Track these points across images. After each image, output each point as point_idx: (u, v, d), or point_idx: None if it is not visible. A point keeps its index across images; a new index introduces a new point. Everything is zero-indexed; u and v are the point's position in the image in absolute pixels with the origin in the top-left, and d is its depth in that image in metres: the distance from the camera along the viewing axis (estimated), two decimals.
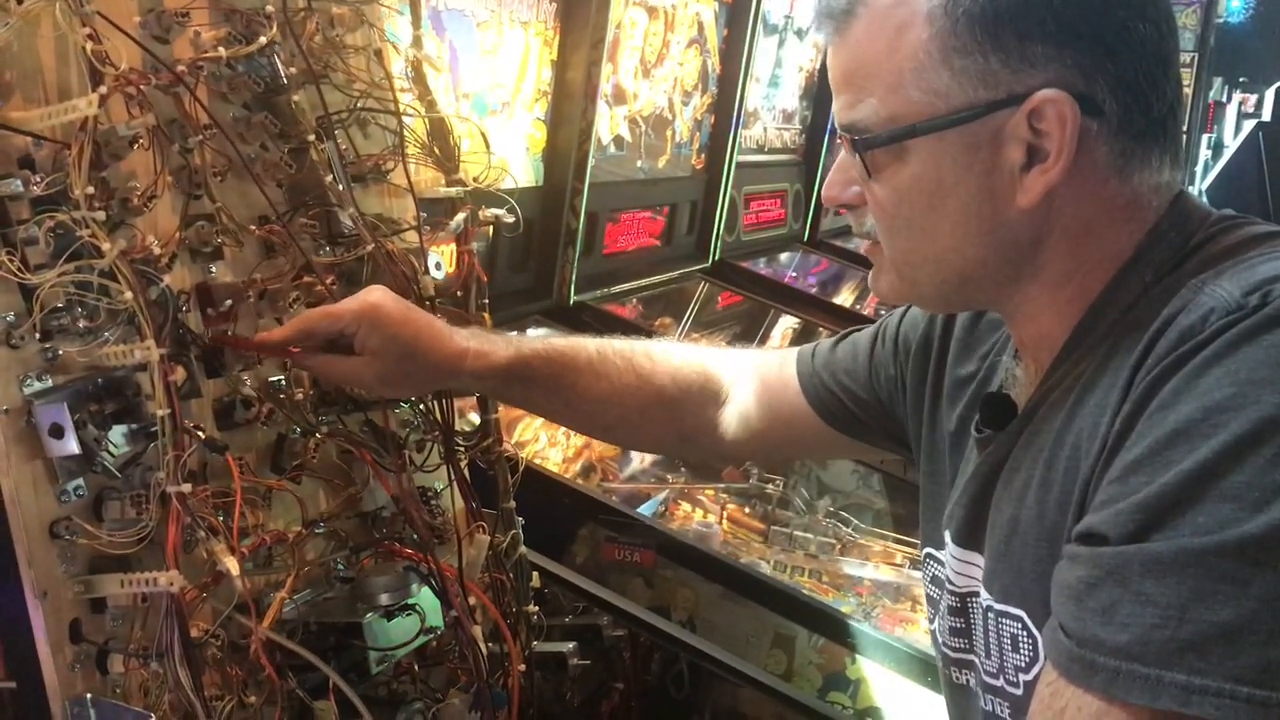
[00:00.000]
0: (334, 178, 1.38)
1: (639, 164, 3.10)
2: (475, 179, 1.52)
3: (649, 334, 3.06)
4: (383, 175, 1.54)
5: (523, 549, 1.58)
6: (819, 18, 0.95)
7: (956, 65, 0.88)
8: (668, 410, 1.36)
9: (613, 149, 2.94)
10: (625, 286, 3.10)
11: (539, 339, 1.36)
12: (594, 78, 2.68)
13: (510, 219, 1.56)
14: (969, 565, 1.02)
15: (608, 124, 2.88)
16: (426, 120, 1.54)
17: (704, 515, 2.45)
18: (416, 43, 1.54)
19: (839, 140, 0.97)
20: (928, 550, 1.13)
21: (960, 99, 0.88)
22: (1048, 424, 0.92)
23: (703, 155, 3.45)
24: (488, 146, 1.44)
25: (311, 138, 1.36)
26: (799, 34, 3.96)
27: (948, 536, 1.05)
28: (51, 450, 1.10)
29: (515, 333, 1.47)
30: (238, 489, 1.15)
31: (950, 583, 1.05)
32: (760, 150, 3.89)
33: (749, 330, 3.86)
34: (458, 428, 1.51)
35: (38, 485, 1.10)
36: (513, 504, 1.59)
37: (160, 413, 1.10)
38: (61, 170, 1.10)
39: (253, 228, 1.32)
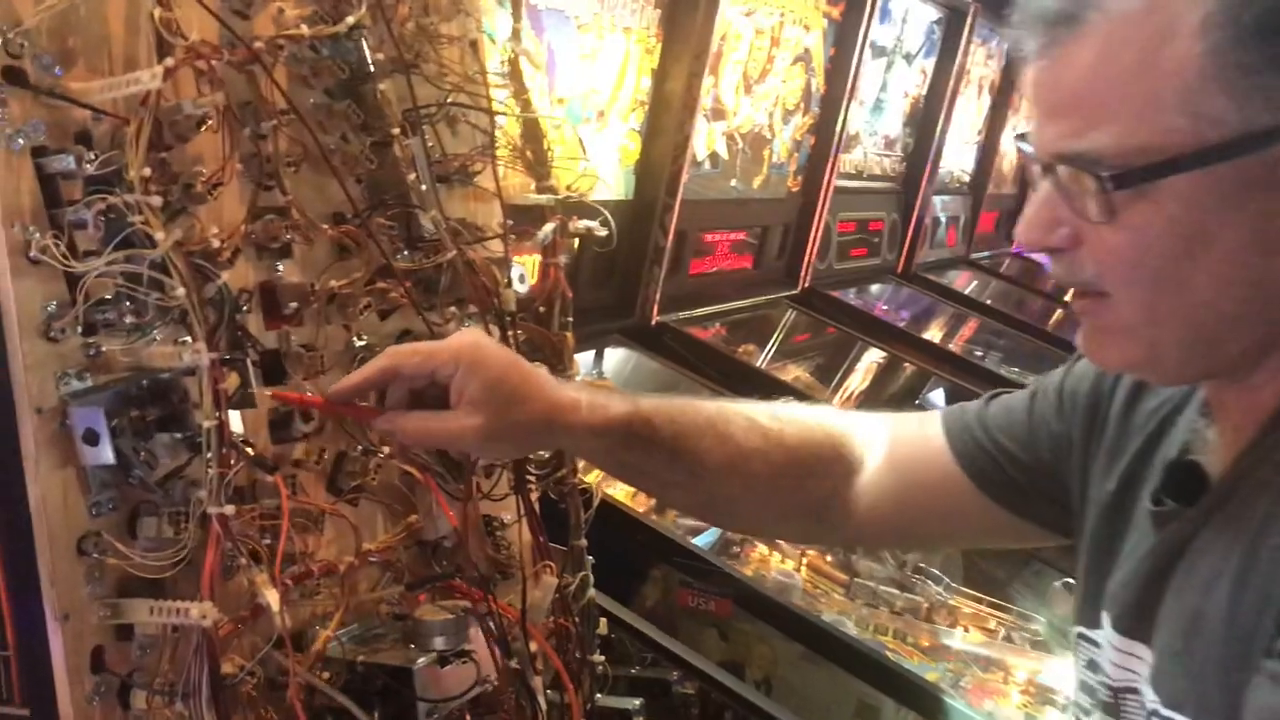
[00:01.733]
0: (418, 176, 1.26)
1: (733, 183, 2.96)
2: (568, 187, 1.40)
3: (731, 360, 2.92)
4: (468, 178, 1.42)
5: (592, 592, 1.44)
6: (1029, 24, 0.79)
7: (1238, 85, 0.72)
8: (799, 478, 1.16)
9: (707, 166, 2.81)
10: (709, 309, 2.96)
11: (651, 395, 1.21)
12: (694, 90, 2.56)
13: (603, 232, 1.43)
14: (1131, 658, 0.87)
15: (704, 139, 2.75)
16: (520, 121, 1.41)
17: (781, 560, 2.30)
18: (515, 36, 1.42)
19: (1036, 171, 0.81)
20: (1080, 630, 0.97)
21: (1238, 125, 0.73)
22: (1251, 506, 0.77)
23: (799, 177, 3.30)
24: (584, 153, 1.31)
25: (396, 131, 1.24)
26: (907, 58, 3.80)
27: (1106, 620, 0.90)
28: (85, 458, 0.99)
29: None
30: (284, 514, 1.03)
31: (1104, 673, 0.90)
32: (858, 176, 3.73)
33: (833, 362, 3.71)
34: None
35: (68, 495, 0.99)
36: (584, 542, 1.46)
37: (207, 424, 0.99)
38: (120, 148, 0.99)
39: (325, 225, 1.20)
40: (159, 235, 0.96)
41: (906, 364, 3.69)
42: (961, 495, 1.11)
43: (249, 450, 1.04)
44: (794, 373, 3.45)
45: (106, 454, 0.98)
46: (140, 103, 0.98)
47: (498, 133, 1.41)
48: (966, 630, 2.17)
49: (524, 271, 1.36)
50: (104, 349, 1.01)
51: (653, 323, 2.63)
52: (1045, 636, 2.18)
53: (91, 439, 0.98)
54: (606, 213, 1.43)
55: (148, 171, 0.96)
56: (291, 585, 1.06)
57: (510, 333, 1.31)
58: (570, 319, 1.47)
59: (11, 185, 0.96)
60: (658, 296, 2.62)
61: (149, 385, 1.04)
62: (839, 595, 2.24)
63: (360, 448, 1.25)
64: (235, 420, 1.11)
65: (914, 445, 1.15)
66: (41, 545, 0.98)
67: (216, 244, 1.02)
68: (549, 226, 1.39)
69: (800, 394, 3.16)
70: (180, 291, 0.96)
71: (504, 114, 1.36)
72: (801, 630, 1.68)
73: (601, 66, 2.30)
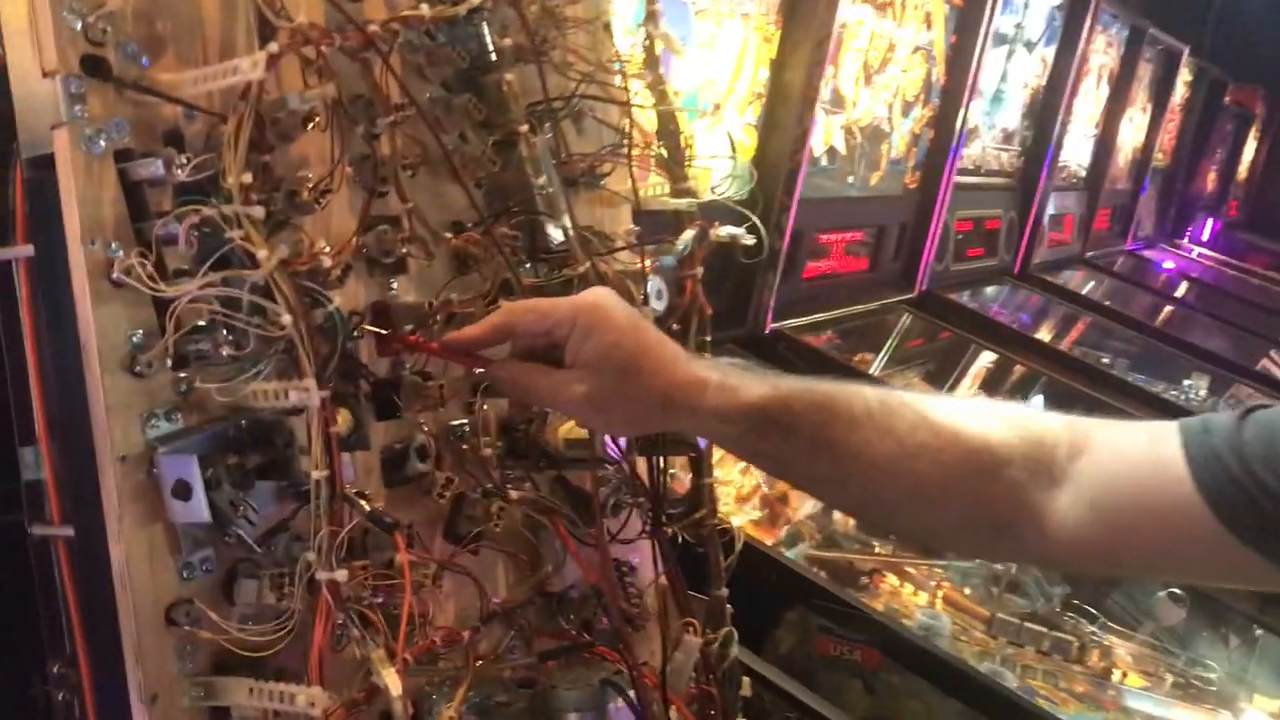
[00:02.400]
0: (546, 179, 1.10)
1: (850, 179, 2.77)
2: (712, 189, 1.23)
3: (850, 369, 2.73)
4: (596, 180, 1.26)
5: (735, 650, 1.27)
6: None
7: None
8: (979, 482, 0.96)
9: (824, 161, 2.62)
10: (825, 315, 2.77)
11: (796, 378, 1.02)
12: (814, 81, 2.37)
13: (750, 239, 1.26)
14: None
15: (821, 133, 2.56)
16: (654, 115, 1.25)
17: (913, 593, 2.10)
18: (651, 19, 1.25)
19: None
20: None
21: None
22: None
23: (917, 174, 3.09)
24: (733, 149, 1.14)
25: (524, 128, 1.08)
26: (1028, 46, 3.56)
27: None
28: (175, 515, 0.85)
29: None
30: (406, 584, 0.87)
31: None
32: (976, 172, 3.50)
33: (944, 368, 3.49)
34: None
35: (155, 556, 0.85)
36: (725, 592, 1.29)
37: (316, 475, 0.84)
38: (215, 151, 0.84)
39: (448, 234, 1.05)
40: (261, 253, 0.81)
41: (1018, 364, 3.46)
42: (1199, 530, 0.90)
43: (364, 504, 0.89)
44: (908, 380, 3.25)
45: (200, 510, 0.83)
46: (239, 96, 0.83)
47: (630, 129, 1.24)
48: (1125, 676, 1.96)
49: (662, 287, 1.20)
50: (197, 385, 0.87)
51: (766, 330, 2.45)
52: (1218, 687, 1.96)
53: (183, 492, 0.83)
54: (755, 218, 1.26)
55: (248, 177, 0.81)
56: (411, 661, 0.90)
57: None
58: (708, 338, 1.30)
59: (91, 194, 0.82)
60: (772, 303, 2.43)
61: (249, 426, 0.89)
62: (979, 632, 2.04)
63: (479, 489, 1.09)
64: (346, 463, 0.96)
65: (1141, 463, 0.94)
66: (125, 615, 0.84)
67: (327, 262, 0.87)
68: (688, 234, 1.23)
69: None
70: (286, 319, 0.81)
71: (643, 106, 1.19)
72: (959, 685, 1.50)
73: (719, 56, 2.12)
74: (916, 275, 3.18)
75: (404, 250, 1.02)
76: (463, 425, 1.11)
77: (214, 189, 0.83)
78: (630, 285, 1.15)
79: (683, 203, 1.23)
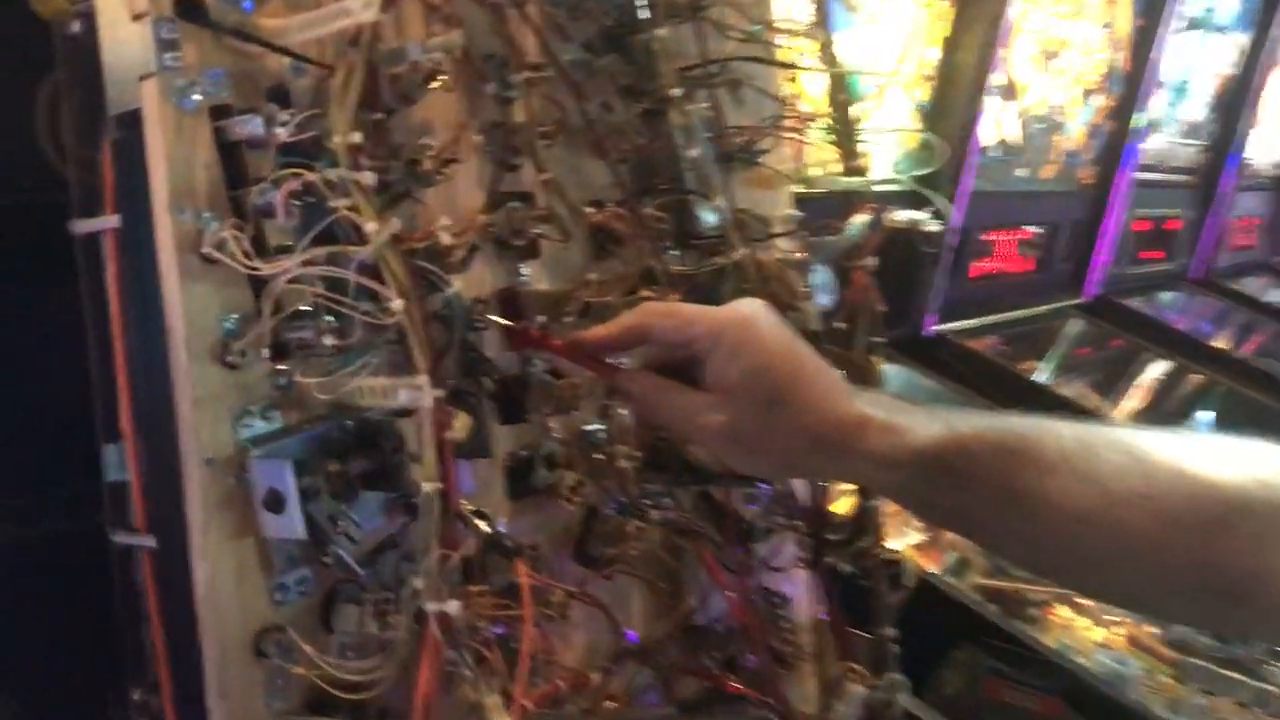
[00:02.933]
0: (699, 152, 0.96)
1: (1021, 172, 2.55)
2: (895, 168, 1.07)
3: (1017, 378, 2.52)
4: (754, 157, 1.11)
5: (904, 701, 1.11)
6: None
7: None
8: (1207, 537, 0.77)
9: (994, 152, 2.41)
10: (992, 319, 2.56)
11: (973, 412, 0.85)
12: (986, 63, 2.17)
13: (935, 226, 1.09)
14: None
15: (992, 121, 2.36)
16: (823, 81, 1.10)
17: (1089, 627, 1.89)
18: None
19: None
20: None
21: None
22: None
23: (1093, 168, 2.85)
24: (916, 121, 0.98)
25: (677, 92, 0.94)
26: (1220, 31, 3.26)
27: None
28: (265, 528, 0.73)
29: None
30: (528, 624, 0.74)
31: None
32: (1156, 168, 3.22)
33: (1112, 377, 3.22)
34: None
35: (244, 575, 0.74)
36: (893, 631, 1.12)
37: (427, 488, 0.71)
38: (323, 108, 0.73)
39: (589, 209, 0.91)
40: (369, 226, 0.68)
41: (1191, 373, 3.18)
42: None
43: (482, 523, 0.76)
44: (1076, 390, 3.00)
45: (294, 524, 0.72)
46: (349, 42, 0.71)
47: (791, 101, 1.09)
48: None
49: (828, 279, 1.05)
50: (297, 380, 0.75)
51: (928, 334, 2.26)
52: None
53: (275, 503, 0.72)
54: (944, 200, 1.10)
55: (357, 137, 0.69)
56: (532, 708, 0.77)
57: None
58: (879, 339, 1.14)
59: (182, 155, 0.72)
60: (935, 304, 2.24)
61: (355, 428, 0.77)
62: (1165, 676, 1.82)
63: (615, 505, 0.95)
64: (464, 473, 0.84)
65: None
66: (209, 643, 0.73)
67: (447, 239, 0.74)
68: (860, 219, 1.07)
69: (1089, 415, 2.73)
70: (396, 304, 0.69)
71: (811, 69, 1.04)
72: None
73: (887, 33, 1.95)
74: (1088, 278, 2.93)
75: (537, 231, 0.89)
76: (597, 431, 0.98)
77: (320, 152, 0.71)
78: (792, 276, 1.00)
79: (855, 181, 1.07)
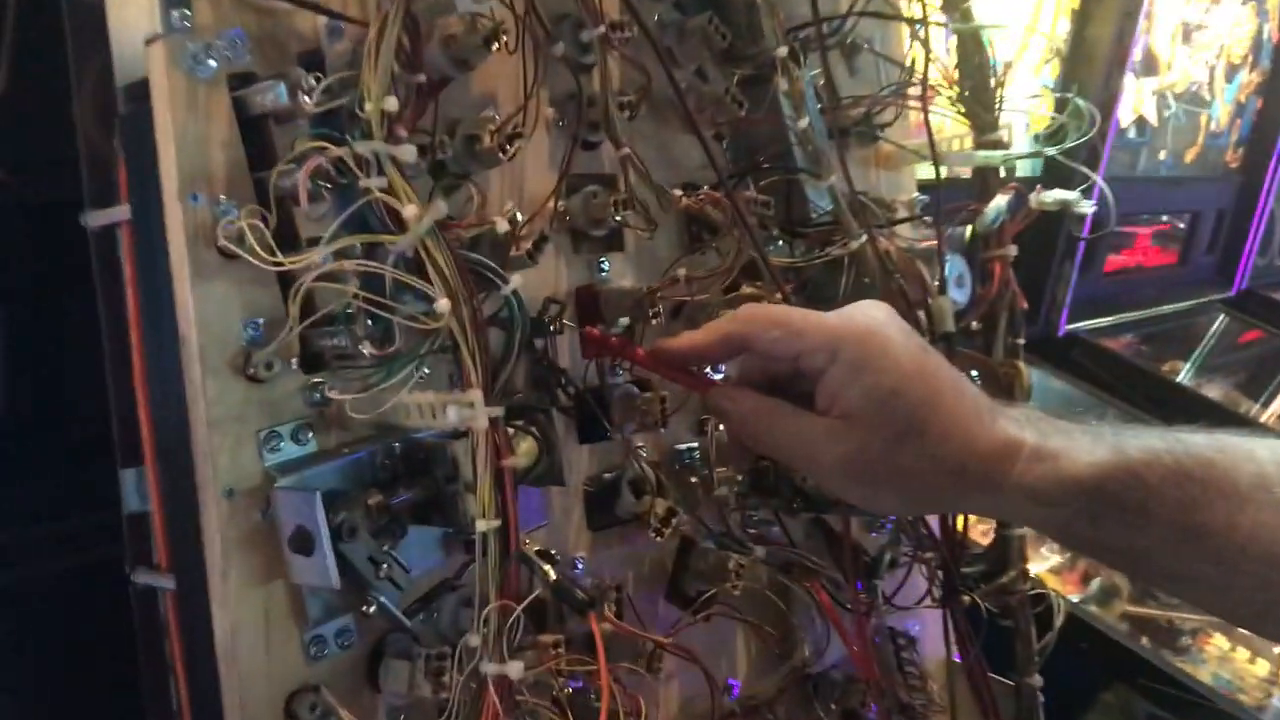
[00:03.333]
0: (809, 124, 0.82)
1: (1162, 156, 2.34)
2: (1042, 137, 0.92)
3: (1155, 379, 2.31)
4: (873, 131, 0.97)
5: None
6: None
7: None
8: None
9: (1132, 134, 2.21)
10: (1129, 316, 2.36)
11: (1144, 429, 0.69)
12: (1126, 36, 1.98)
13: (1088, 207, 0.94)
14: None
15: (1130, 100, 2.16)
16: (954, 42, 0.95)
17: (1249, 659, 1.69)
18: None
19: None
20: None
21: None
22: None
23: (1240, 150, 2.61)
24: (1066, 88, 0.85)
25: (783, 52, 0.81)
26: None
27: None
28: (294, 573, 0.62)
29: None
30: (604, 682, 0.61)
31: None
32: None
33: (1259, 379, 2.97)
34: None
35: (273, 625, 0.63)
36: (1039, 680, 0.97)
37: (482, 527, 0.59)
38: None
39: (678, 192, 0.78)
40: (408, 210, 0.56)
41: None
42: None
43: (549, 568, 0.64)
44: (1221, 392, 2.77)
45: (325, 569, 0.60)
46: None
47: (918, 63, 0.95)
48: None
49: (965, 271, 0.89)
50: (332, 395, 0.64)
51: (1060, 333, 2.08)
52: None
53: (303, 544, 0.60)
54: (1098, 179, 0.94)
55: (392, 103, 0.57)
56: None
57: None
58: (1021, 340, 0.99)
59: (195, 132, 0.60)
60: (1069, 300, 2.06)
61: (402, 452, 0.66)
62: None
63: (713, 535, 0.82)
64: (534, 502, 0.71)
65: None
66: (230, 703, 0.62)
67: (504, 226, 0.62)
68: (999, 201, 0.92)
69: (1240, 420, 2.51)
70: (441, 304, 0.57)
71: (941, 24, 0.89)
72: None
73: (1011, 4, 1.78)
74: (1236, 271, 2.70)
75: (619, 218, 0.76)
76: (692, 451, 0.85)
77: (354, 124, 0.59)
78: (921, 268, 0.85)
79: (995, 156, 0.92)
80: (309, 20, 0.65)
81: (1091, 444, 0.64)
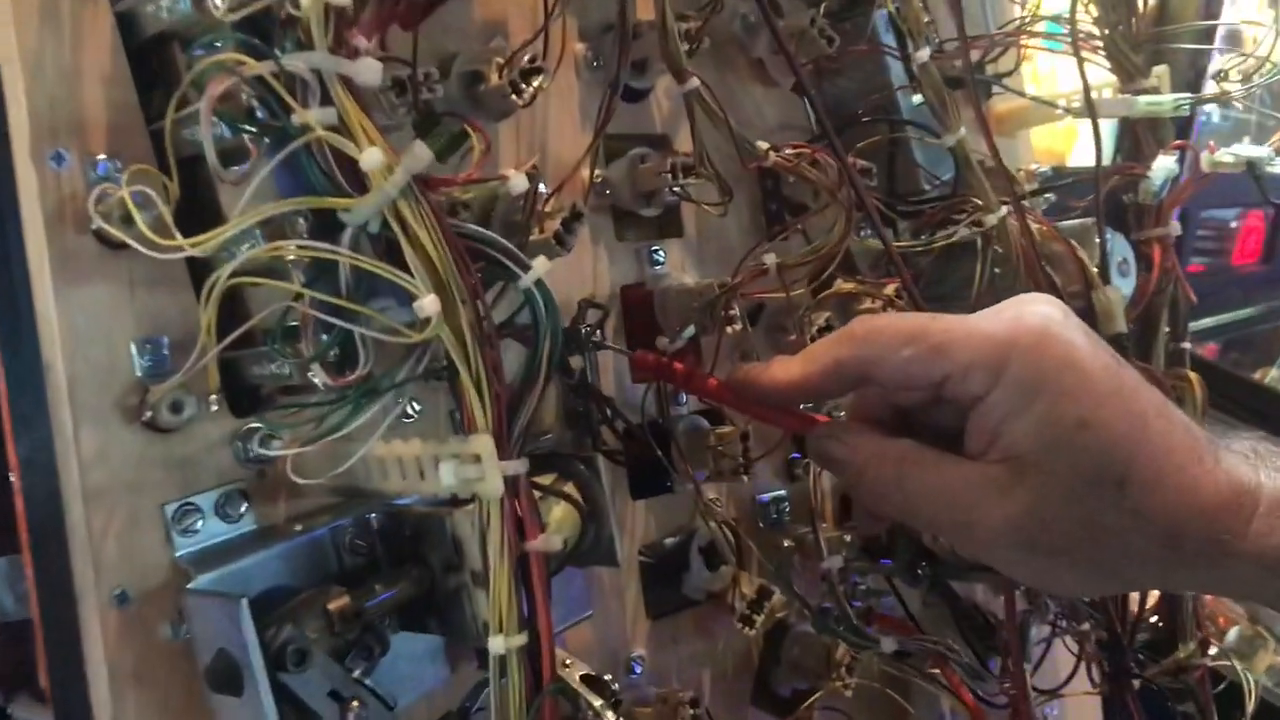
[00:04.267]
0: (928, 59, 0.61)
1: (1245, 139, 2.11)
2: (1220, 77, 0.72)
3: (1256, 388, 2.08)
4: (990, 83, 0.76)
5: None
6: None
7: None
8: None
9: (1215, 116, 1.99)
10: (1212, 321, 2.13)
11: None
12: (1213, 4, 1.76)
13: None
14: None
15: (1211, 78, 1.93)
16: None
17: None
18: None
19: None
20: None
21: None
22: None
23: None
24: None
25: None
26: None
27: None
28: (219, 716, 0.41)
29: None
30: None
31: None
32: None
33: None
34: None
35: None
36: None
37: (497, 646, 0.38)
38: None
39: (764, 145, 0.56)
40: (368, 158, 0.36)
41: None
42: None
43: (595, 698, 0.43)
44: None
45: (262, 712, 0.39)
46: None
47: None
48: None
49: (1128, 254, 0.68)
50: (276, 448, 0.43)
51: None
52: None
53: (228, 678, 0.39)
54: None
55: None
56: None
57: None
58: (1188, 345, 0.77)
59: (58, 62, 0.41)
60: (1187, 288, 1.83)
61: (382, 526, 0.45)
62: None
63: (820, 619, 0.61)
64: (574, 587, 0.51)
65: None
66: None
67: (519, 186, 0.41)
68: (1167, 162, 0.71)
69: None
70: (426, 303, 0.36)
71: None
72: None
73: None
74: None
75: (679, 189, 0.56)
76: (781, 501, 0.64)
77: (286, 33, 0.39)
78: (1078, 249, 0.64)
79: (1164, 101, 0.71)
80: None
81: None
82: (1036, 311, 0.44)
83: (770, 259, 0.55)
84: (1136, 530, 0.43)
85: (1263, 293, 2.40)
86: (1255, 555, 0.43)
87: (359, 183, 0.37)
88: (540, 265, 0.39)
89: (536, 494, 0.43)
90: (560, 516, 0.45)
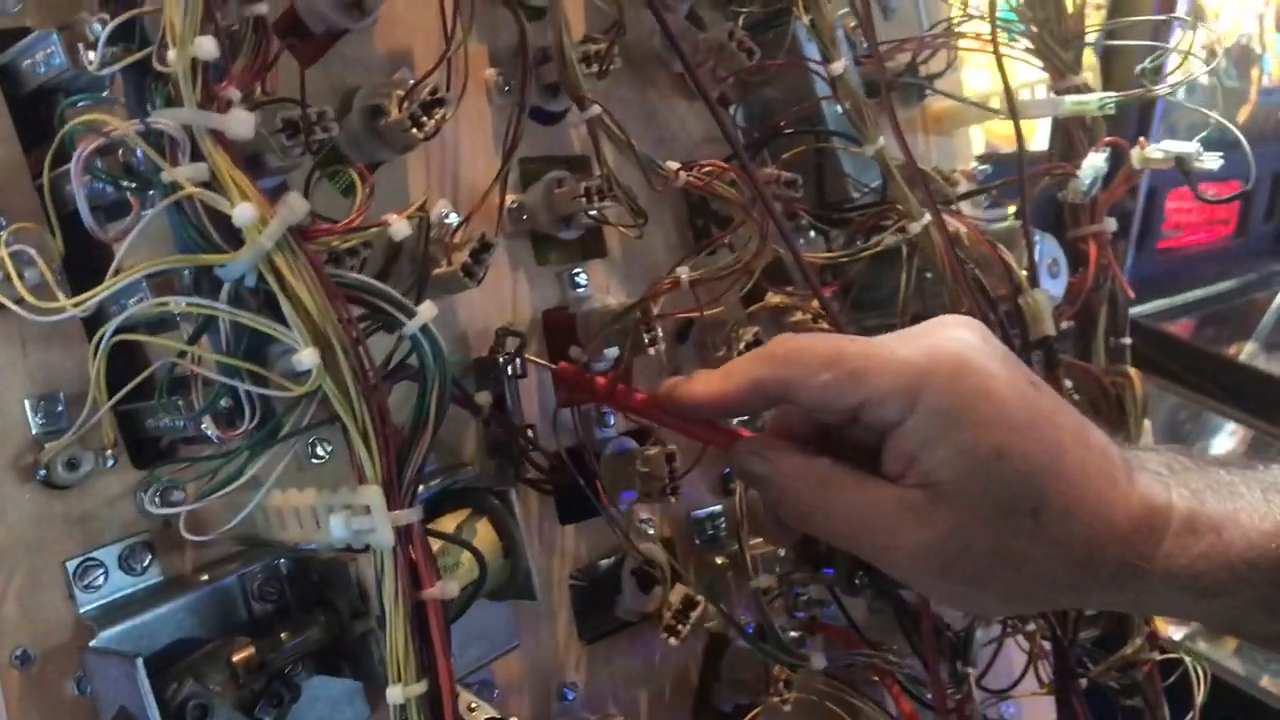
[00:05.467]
0: (845, 70, 0.61)
1: (1211, 117, 2.11)
2: (1142, 73, 0.72)
3: (1227, 364, 2.09)
4: (921, 84, 0.76)
5: None
6: None
7: None
8: None
9: (1180, 93, 1.98)
10: (1187, 297, 2.14)
11: None
12: None
13: (1212, 163, 0.73)
14: None
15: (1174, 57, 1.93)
16: None
17: None
18: None
19: None
20: None
21: None
22: None
23: None
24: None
25: None
26: None
27: None
28: None
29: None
30: None
31: None
32: None
33: None
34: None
35: None
36: None
37: (398, 696, 0.38)
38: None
39: (673, 165, 0.56)
40: (240, 213, 0.35)
41: None
42: None
43: None
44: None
45: None
46: None
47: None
48: None
49: (1059, 254, 0.68)
50: (181, 501, 0.43)
51: None
52: None
53: None
54: (1230, 125, 0.74)
55: (209, 46, 0.36)
56: None
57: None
58: (1128, 340, 0.77)
59: None
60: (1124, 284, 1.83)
61: (291, 572, 0.45)
62: None
63: (749, 636, 0.61)
64: (498, 620, 0.51)
65: None
66: None
67: (401, 227, 0.41)
68: (1094, 160, 0.70)
69: None
70: (305, 356, 0.36)
71: None
72: None
73: None
74: None
75: (594, 212, 0.55)
76: (716, 519, 0.64)
77: (158, 88, 0.38)
78: (1005, 254, 0.64)
79: (1090, 101, 0.71)
80: None
81: (1264, 501, 0.46)
82: (953, 338, 0.44)
83: (683, 272, 0.55)
84: (1052, 557, 0.43)
85: (1238, 267, 2.41)
86: (1167, 576, 0.44)
87: (234, 237, 0.36)
88: (425, 311, 0.38)
89: (456, 523, 0.43)
90: (467, 567, 0.44)
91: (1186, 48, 0.83)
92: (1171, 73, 0.75)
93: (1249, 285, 2.44)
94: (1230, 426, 2.18)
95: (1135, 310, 2.04)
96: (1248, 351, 2.48)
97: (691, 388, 0.47)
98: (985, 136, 1.35)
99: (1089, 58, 0.94)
